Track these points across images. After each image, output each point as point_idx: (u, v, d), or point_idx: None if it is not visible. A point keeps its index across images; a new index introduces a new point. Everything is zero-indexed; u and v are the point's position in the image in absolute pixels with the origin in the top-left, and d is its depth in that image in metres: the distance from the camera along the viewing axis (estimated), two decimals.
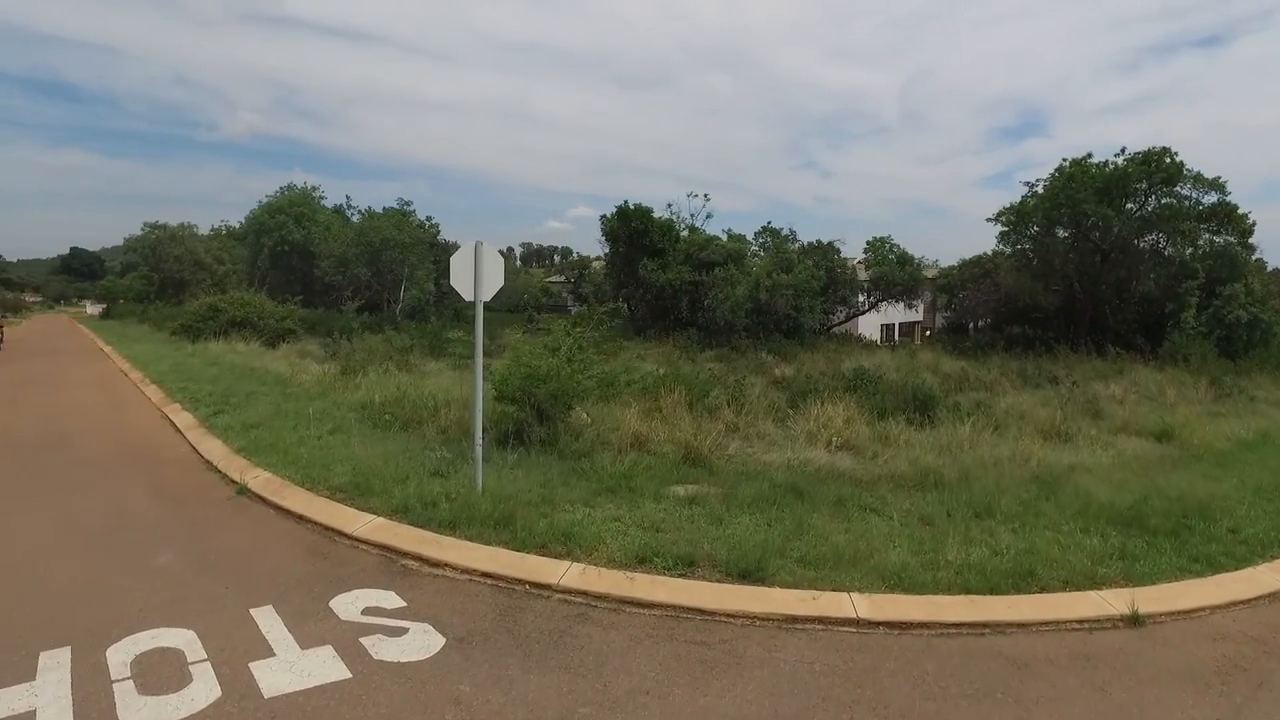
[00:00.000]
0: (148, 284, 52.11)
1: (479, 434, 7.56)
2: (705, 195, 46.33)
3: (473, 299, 7.42)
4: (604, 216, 39.20)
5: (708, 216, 44.97)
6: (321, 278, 36.92)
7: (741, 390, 13.22)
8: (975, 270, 38.94)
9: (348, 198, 57.20)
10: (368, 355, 16.41)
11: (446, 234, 44.39)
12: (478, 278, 7.34)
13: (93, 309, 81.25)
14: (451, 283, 7.33)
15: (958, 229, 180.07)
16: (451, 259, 7.34)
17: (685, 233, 42.46)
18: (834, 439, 9.86)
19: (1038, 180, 32.43)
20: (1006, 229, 35.04)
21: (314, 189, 49.35)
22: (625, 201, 38.81)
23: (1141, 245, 31.79)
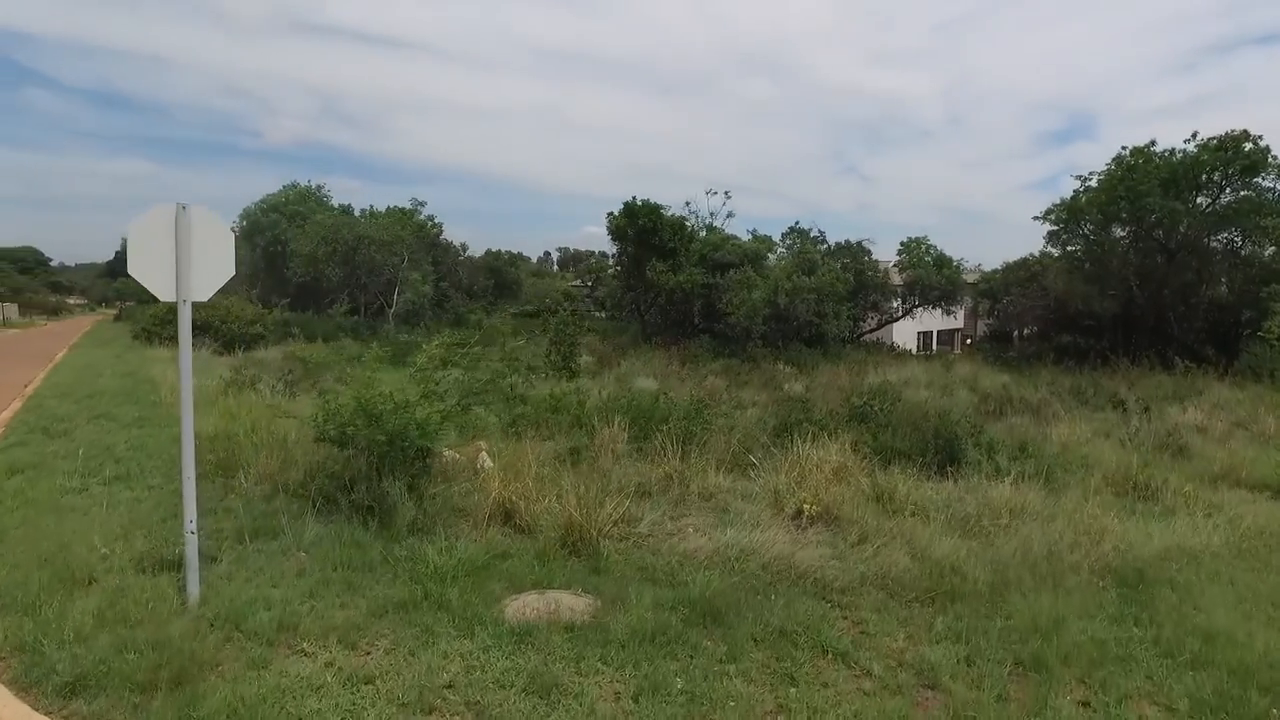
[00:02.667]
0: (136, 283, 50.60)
1: (191, 515, 4.67)
2: (725, 193, 43.00)
3: (175, 298, 4.54)
4: (610, 214, 36.20)
5: (729, 215, 41.59)
6: (292, 279, 34.64)
7: (707, 422, 10.13)
8: (1020, 273, 35.27)
9: (354, 201, 55.13)
10: (303, 367, 13.69)
11: (486, 240, 42.07)
12: (183, 263, 4.46)
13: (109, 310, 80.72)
14: (130, 271, 4.44)
15: (1001, 234, 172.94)
16: (129, 230, 4.43)
17: (704, 232, 39.37)
18: (809, 504, 6.75)
19: (1091, 173, 28.68)
20: (1056, 228, 31.35)
21: (319, 187, 47.33)
22: (634, 197, 35.77)
23: (1213, 244, 27.88)
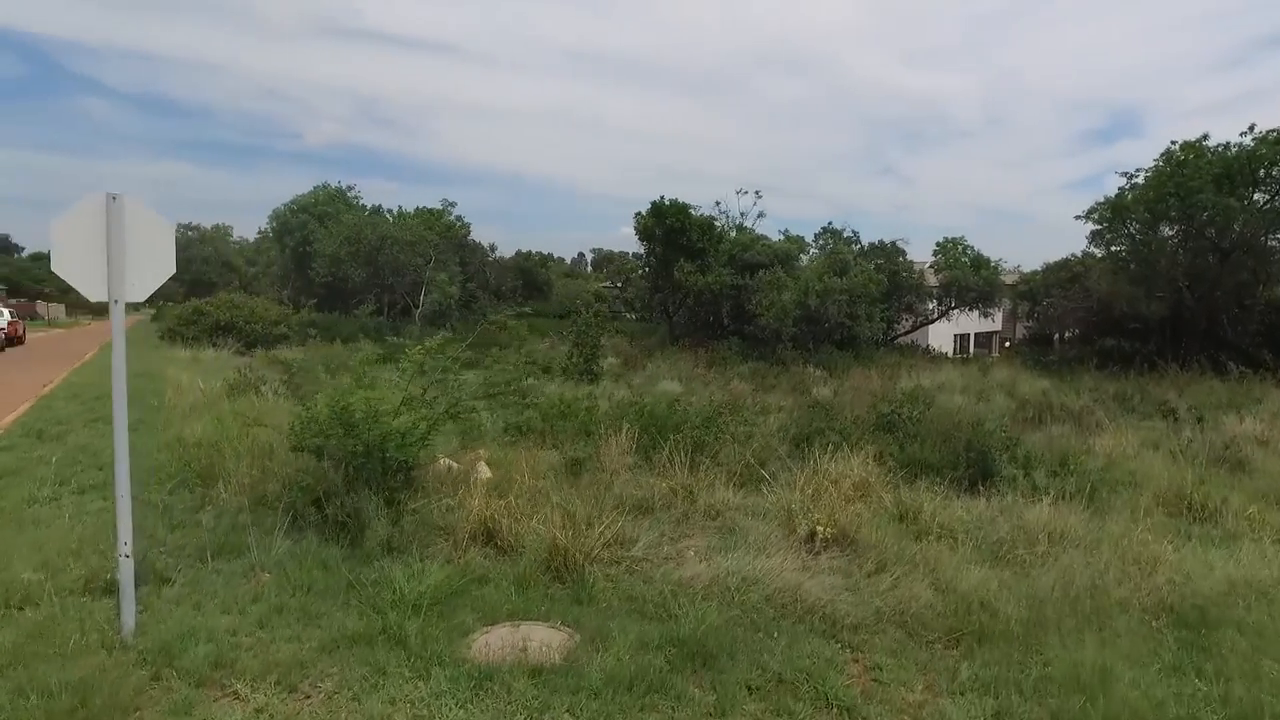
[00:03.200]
0: (176, 284, 51.40)
1: (125, 537, 4.23)
2: (756, 192, 42.14)
3: (106, 297, 4.11)
4: (638, 214, 35.66)
5: (760, 215, 40.71)
6: (315, 279, 34.69)
7: (721, 430, 9.54)
8: (1062, 274, 34.07)
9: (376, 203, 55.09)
10: (285, 371, 13.37)
11: (520, 242, 41.96)
12: (115, 260, 4.03)
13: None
14: (54, 268, 4.01)
15: (1041, 235, 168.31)
16: (52, 226, 3.99)
17: (733, 233, 38.65)
18: (823, 525, 6.13)
19: (1137, 170, 27.37)
20: (1099, 227, 30.04)
21: (349, 188, 47.64)
22: (661, 197, 35.19)
23: (1271, 243, 26.43)
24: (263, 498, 6.55)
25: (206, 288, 49.25)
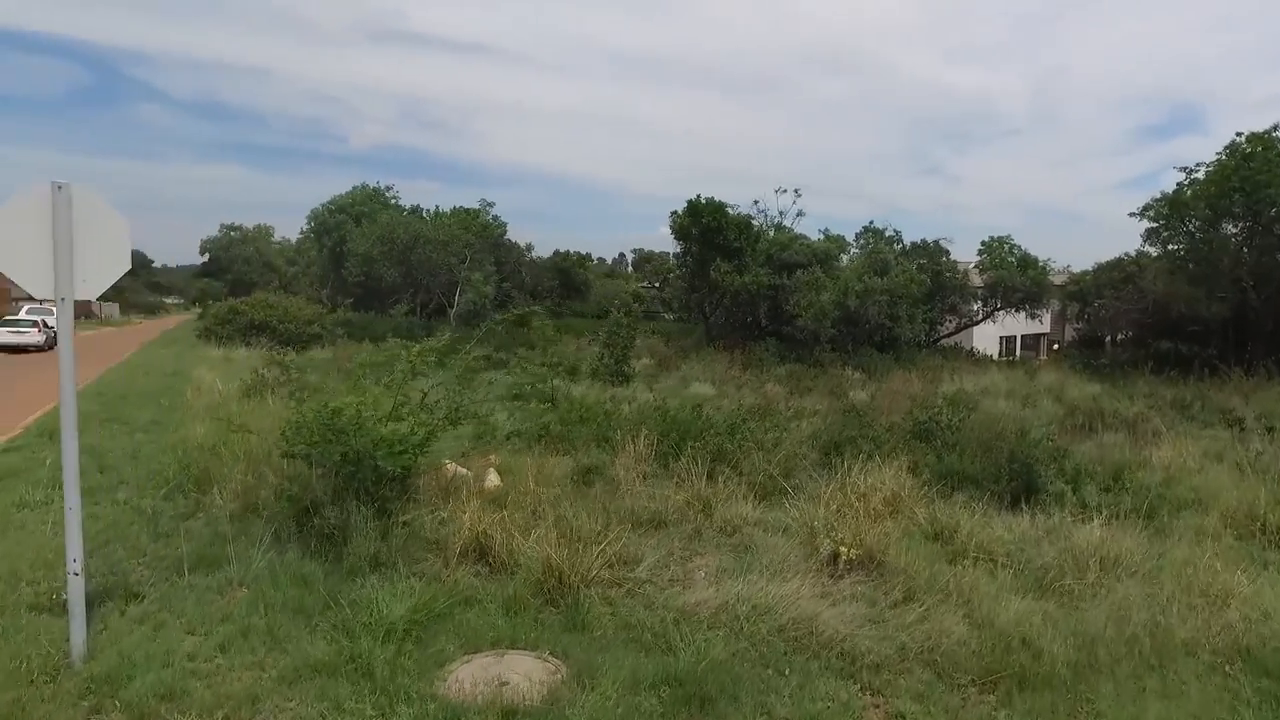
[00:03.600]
0: (217, 284, 52.40)
1: (74, 554, 3.93)
2: (795, 191, 41.17)
3: (54, 294, 3.80)
4: (674, 213, 35.12)
5: (799, 215, 39.61)
6: (348, 278, 34.89)
7: (745, 437, 9.00)
8: (1114, 274, 32.58)
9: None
10: (284, 371, 13.15)
11: (562, 242, 41.82)
12: (62, 253, 3.72)
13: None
14: None
15: (1092, 234, 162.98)
16: None
17: (771, 232, 37.86)
18: (847, 546, 5.60)
19: (1198, 164, 25.98)
20: (1155, 225, 28.68)
21: (387, 188, 48.01)
22: (698, 195, 34.61)
23: None
24: (254, 505, 6.26)
25: (247, 288, 50.10)
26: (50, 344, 27.87)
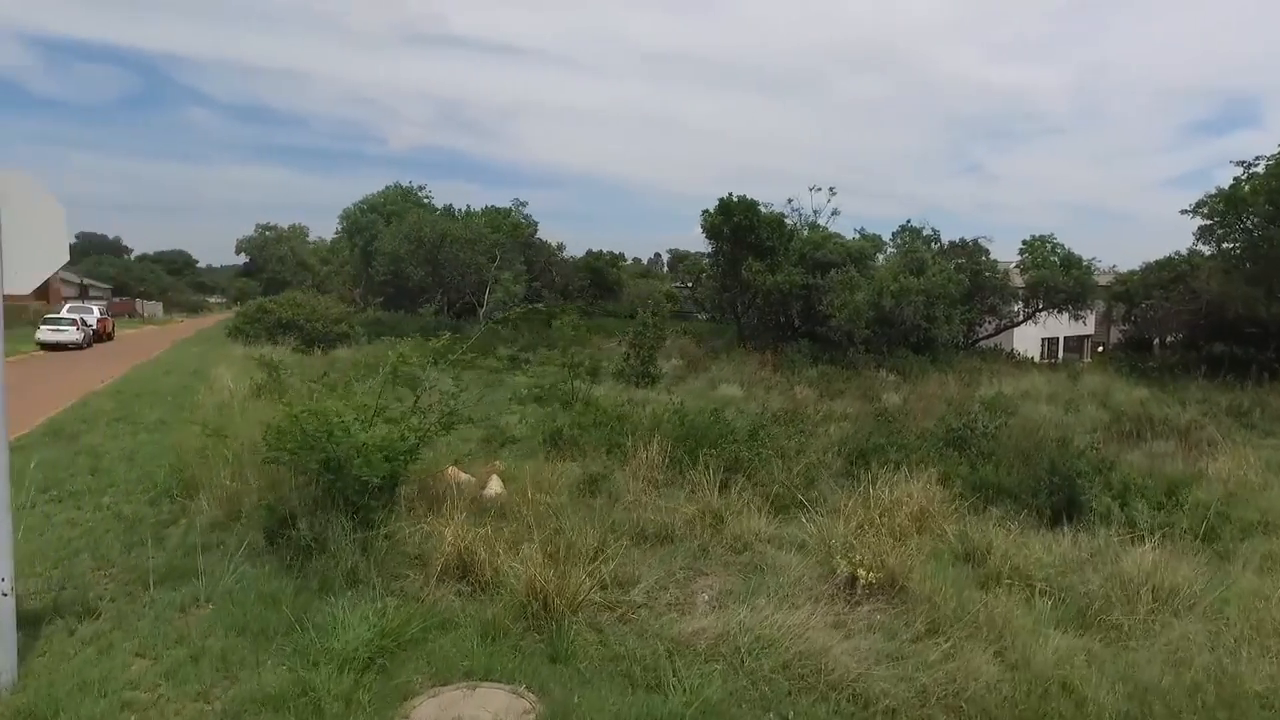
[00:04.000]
0: (254, 283, 53.11)
1: (3, 573, 3.61)
2: (830, 189, 40.32)
3: None
4: (705, 211, 34.56)
5: (834, 213, 38.79)
6: (375, 277, 34.95)
7: (763, 444, 8.50)
8: (1164, 274, 31.27)
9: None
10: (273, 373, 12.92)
11: (597, 242, 41.62)
12: None
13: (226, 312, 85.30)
14: None
15: (1139, 233, 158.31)
16: None
17: (805, 231, 37.09)
18: (867, 569, 5.08)
19: (1257, 158, 24.71)
20: (1209, 223, 27.41)
21: (420, 188, 48.22)
22: (729, 193, 34.02)
23: None
24: (238, 513, 5.96)
25: (280, 286, 50.78)
26: (88, 342, 28.40)
